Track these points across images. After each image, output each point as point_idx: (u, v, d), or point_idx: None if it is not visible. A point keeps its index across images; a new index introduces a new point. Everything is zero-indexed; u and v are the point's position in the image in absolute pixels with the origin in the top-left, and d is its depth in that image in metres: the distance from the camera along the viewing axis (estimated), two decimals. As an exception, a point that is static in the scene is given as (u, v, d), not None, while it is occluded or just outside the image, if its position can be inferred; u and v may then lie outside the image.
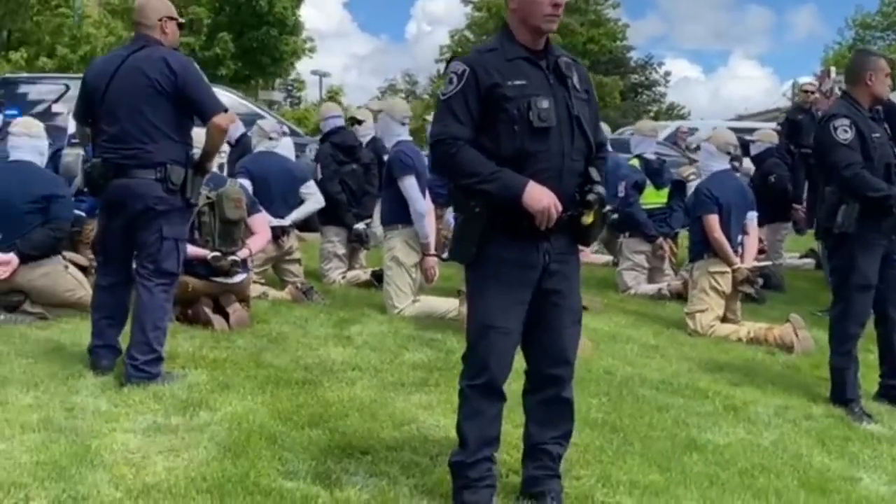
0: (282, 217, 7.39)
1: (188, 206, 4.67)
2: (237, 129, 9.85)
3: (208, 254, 5.94)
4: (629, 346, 6.24)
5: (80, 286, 6.10)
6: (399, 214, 6.80)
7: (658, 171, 8.73)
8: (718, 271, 7.01)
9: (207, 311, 6.00)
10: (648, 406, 4.79)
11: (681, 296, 8.01)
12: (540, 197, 3.14)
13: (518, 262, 3.27)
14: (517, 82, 3.21)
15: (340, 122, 8.48)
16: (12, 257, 5.81)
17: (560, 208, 3.17)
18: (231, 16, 24.18)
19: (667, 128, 19.05)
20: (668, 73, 48.00)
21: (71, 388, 4.55)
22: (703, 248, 7.09)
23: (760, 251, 8.03)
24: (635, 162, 8.85)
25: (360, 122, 9.34)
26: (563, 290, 3.36)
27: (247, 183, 7.26)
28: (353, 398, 4.57)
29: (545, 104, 3.20)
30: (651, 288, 8.52)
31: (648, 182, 8.70)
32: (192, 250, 5.91)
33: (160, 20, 4.70)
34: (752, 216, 7.26)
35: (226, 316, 6.03)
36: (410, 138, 7.14)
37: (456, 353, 5.37)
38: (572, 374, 3.46)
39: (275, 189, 7.40)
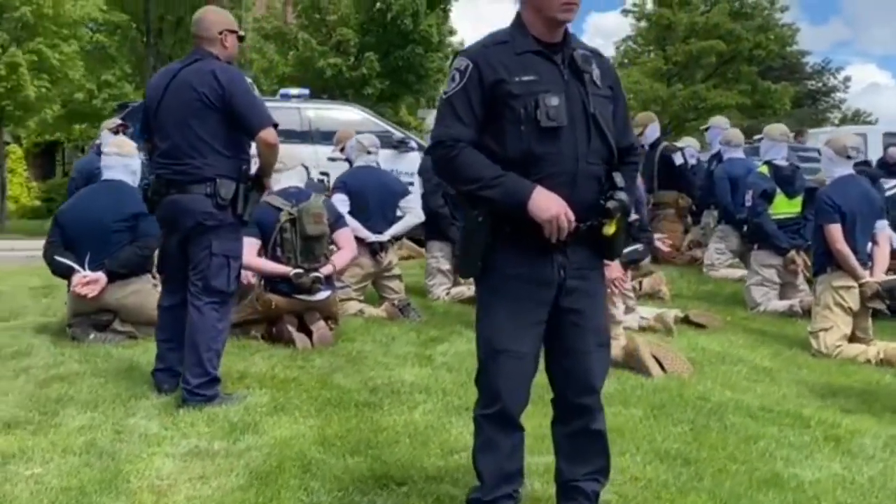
0: (380, 232, 7.22)
1: (241, 222, 4.53)
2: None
3: (290, 270, 5.81)
4: (737, 369, 5.73)
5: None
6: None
7: (789, 178, 8.09)
8: (843, 286, 6.39)
9: (291, 329, 5.87)
10: (735, 436, 4.31)
11: (814, 312, 7.38)
12: (547, 205, 2.81)
13: (529, 278, 2.94)
14: (525, 78, 2.89)
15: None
16: (101, 276, 5.84)
17: (571, 217, 2.82)
18: (378, 36, 24.43)
19: (824, 133, 17.95)
20: (847, 79, 45.49)
21: (129, 410, 4.48)
22: (826, 260, 6.49)
23: (896, 263, 7.30)
24: (764, 169, 8.25)
25: None
26: (585, 309, 3.00)
27: (343, 198, 7.15)
28: (409, 423, 4.31)
29: (555, 101, 2.86)
30: (782, 304, 7.90)
31: (779, 190, 8.08)
32: (274, 267, 5.83)
33: (220, 33, 4.59)
34: (882, 225, 6.60)
35: (310, 334, 5.89)
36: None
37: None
38: (601, 404, 3.09)
39: (372, 204, 7.24)
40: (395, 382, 5.01)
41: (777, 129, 8.54)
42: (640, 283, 8.46)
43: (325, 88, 24.05)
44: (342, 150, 9.81)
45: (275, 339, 5.90)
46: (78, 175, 8.63)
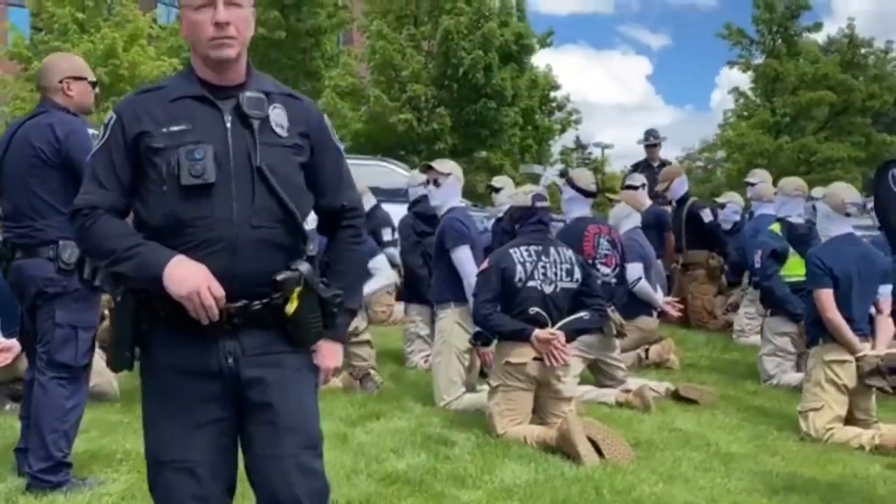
0: (346, 296, 6.77)
1: (91, 288, 4.14)
2: (368, 202, 9.46)
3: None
4: (694, 455, 5.06)
5: (94, 374, 5.73)
6: (451, 290, 6.04)
7: (804, 237, 7.35)
8: (837, 360, 5.65)
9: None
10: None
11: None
12: (183, 278, 2.34)
13: (186, 369, 2.47)
14: (174, 128, 2.43)
15: (423, 191, 7.81)
16: (14, 343, 5.56)
17: (219, 293, 2.35)
18: (450, 91, 24.26)
19: None
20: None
21: (-19, 493, 4.12)
22: (818, 331, 5.75)
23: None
24: (777, 227, 7.53)
25: (497, 190, 8.73)
26: (278, 404, 2.50)
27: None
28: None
29: (200, 154, 2.39)
30: (796, 377, 7.10)
31: (792, 250, 7.35)
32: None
33: (61, 81, 4.24)
34: (885, 290, 5.84)
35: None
36: (464, 204, 6.39)
37: (455, 461, 4.55)
38: None
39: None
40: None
41: (792, 182, 7.83)
42: (647, 350, 7.82)
43: (398, 144, 23.97)
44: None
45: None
46: None
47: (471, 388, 6.13)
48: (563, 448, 4.88)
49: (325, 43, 29.52)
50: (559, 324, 5.23)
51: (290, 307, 2.49)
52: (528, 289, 5.21)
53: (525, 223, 5.44)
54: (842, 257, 5.68)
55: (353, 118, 23.77)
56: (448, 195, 6.29)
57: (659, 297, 7.93)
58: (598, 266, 6.59)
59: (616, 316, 6.52)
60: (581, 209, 6.78)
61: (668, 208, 10.33)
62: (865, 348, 5.64)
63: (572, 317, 5.29)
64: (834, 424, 5.59)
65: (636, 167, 12.56)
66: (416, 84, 23.50)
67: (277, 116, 2.56)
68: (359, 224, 2.75)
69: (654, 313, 7.88)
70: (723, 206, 10.37)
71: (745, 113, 32.53)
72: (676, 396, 6.54)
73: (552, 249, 5.33)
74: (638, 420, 5.82)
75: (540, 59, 32.02)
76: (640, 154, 12.74)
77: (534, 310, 5.17)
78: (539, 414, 5.35)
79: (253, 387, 2.50)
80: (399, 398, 6.14)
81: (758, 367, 7.44)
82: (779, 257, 7.29)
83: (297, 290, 2.48)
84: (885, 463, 5.14)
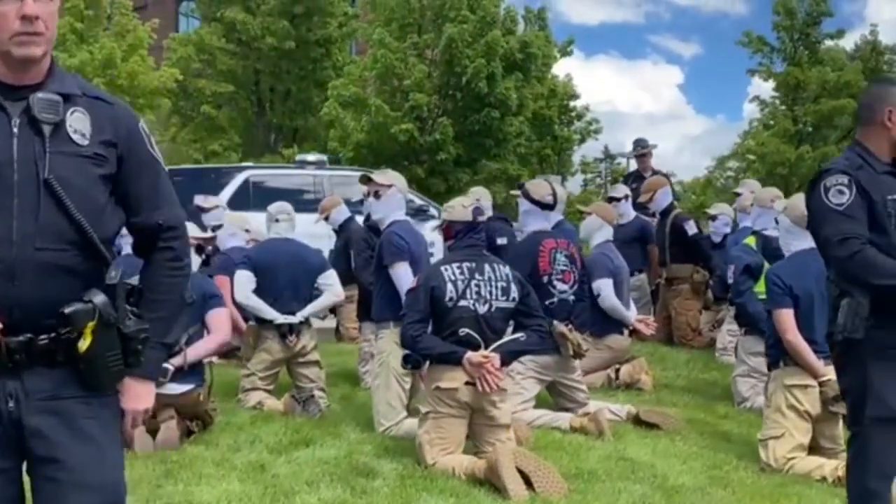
0: (291, 313, 6.46)
1: None
2: (340, 214, 9.18)
3: (128, 362, 5.10)
4: (635, 488, 4.70)
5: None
6: (391, 308, 5.71)
7: (779, 250, 6.95)
8: (799, 384, 5.27)
9: (136, 430, 5.14)
10: None
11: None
12: None
13: None
14: None
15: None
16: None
17: None
18: (454, 100, 23.90)
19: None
20: None
21: None
22: (778, 353, 5.38)
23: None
24: (751, 240, 7.16)
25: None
26: (63, 457, 2.19)
27: (247, 274, 6.46)
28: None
29: None
30: (770, 399, 6.74)
31: (767, 265, 6.96)
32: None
33: None
34: (852, 311, 5.43)
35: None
36: (408, 219, 6.07)
37: (371, 495, 4.22)
38: None
39: (282, 280, 6.51)
40: (180, 503, 4.20)
41: (768, 192, 7.47)
42: (618, 370, 7.46)
43: (399, 154, 23.63)
44: (327, 219, 9.20)
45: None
46: None
47: (415, 412, 5.78)
48: (491, 480, 4.53)
49: (335, 53, 29.33)
50: (493, 346, 4.89)
51: (83, 344, 2.20)
52: (460, 308, 4.88)
53: (463, 237, 5.10)
54: (803, 275, 5.29)
55: (355, 128, 23.45)
56: (389, 208, 5.98)
57: (631, 314, 7.57)
58: (555, 282, 6.25)
59: (574, 335, 6.18)
60: (538, 222, 6.44)
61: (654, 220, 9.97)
62: (829, 372, 5.23)
63: (507, 338, 4.95)
64: (795, 454, 5.21)
65: (628, 178, 12.22)
66: (418, 93, 23.14)
67: (77, 122, 2.26)
68: (178, 246, 2.43)
69: (626, 331, 7.52)
70: (714, 217, 9.98)
71: (772, 122, 31.88)
72: (637, 421, 6.18)
73: (486, 266, 4.99)
74: (587, 448, 5.47)
75: (562, 69, 31.59)
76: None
77: (464, 331, 4.84)
78: (474, 442, 5.01)
79: (36, 437, 2.20)
80: (338, 423, 5.81)
81: (731, 388, 7.07)
82: (753, 272, 6.89)
83: (91, 324, 2.17)
84: (845, 497, 4.74)
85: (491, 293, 4.93)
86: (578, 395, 6.39)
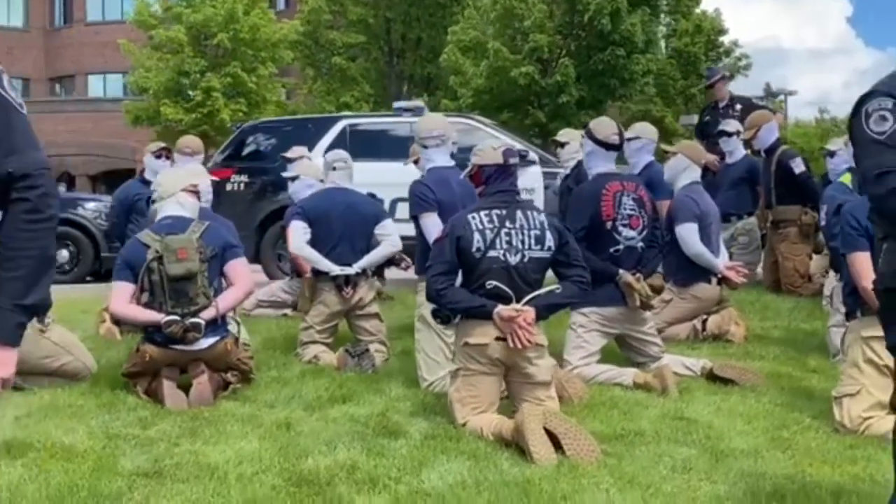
0: (348, 264, 6.27)
1: None
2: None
3: (162, 318, 5.03)
4: (684, 450, 4.31)
5: (62, 352, 5.49)
6: (425, 260, 5.41)
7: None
8: (877, 336, 4.69)
9: (168, 384, 5.10)
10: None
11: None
12: None
13: None
14: None
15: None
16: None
17: None
18: (577, 40, 23.18)
19: None
20: None
21: None
22: (855, 302, 4.85)
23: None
24: (847, 178, 6.53)
25: (562, 145, 8.07)
26: None
27: (302, 226, 6.30)
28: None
29: None
30: (869, 351, 6.15)
31: (864, 205, 6.34)
32: (146, 315, 5.12)
33: None
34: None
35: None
36: (450, 163, 5.75)
37: (388, 457, 4.02)
38: None
39: (338, 231, 6.31)
40: (188, 463, 4.07)
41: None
42: (705, 321, 6.98)
43: (520, 99, 23.15)
44: (416, 163, 8.97)
45: (152, 397, 5.14)
46: (118, 204, 8.30)
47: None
48: (518, 442, 4.23)
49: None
50: (526, 298, 4.55)
51: None
52: (489, 259, 4.55)
53: (493, 182, 4.76)
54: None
55: (474, 74, 23.07)
56: (430, 155, 5.69)
57: (722, 260, 7.06)
58: (621, 228, 5.83)
59: (642, 285, 5.78)
60: (603, 164, 6.01)
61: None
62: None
63: (541, 290, 4.60)
64: (873, 413, 4.69)
65: (703, 112, 11.43)
66: (538, 34, 22.53)
67: None
68: (34, 197, 2.21)
69: (714, 280, 7.01)
70: (832, 153, 9.23)
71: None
72: (711, 376, 5.74)
73: (519, 213, 4.64)
74: (644, 406, 5.10)
75: (709, 3, 30.47)
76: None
77: (491, 283, 4.51)
78: (512, 401, 4.71)
79: None
80: (386, 378, 5.60)
81: (826, 340, 6.51)
82: (848, 213, 6.27)
83: None
84: None
85: (523, 242, 4.59)
86: (651, 349, 5.99)
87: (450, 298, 4.54)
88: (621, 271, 5.77)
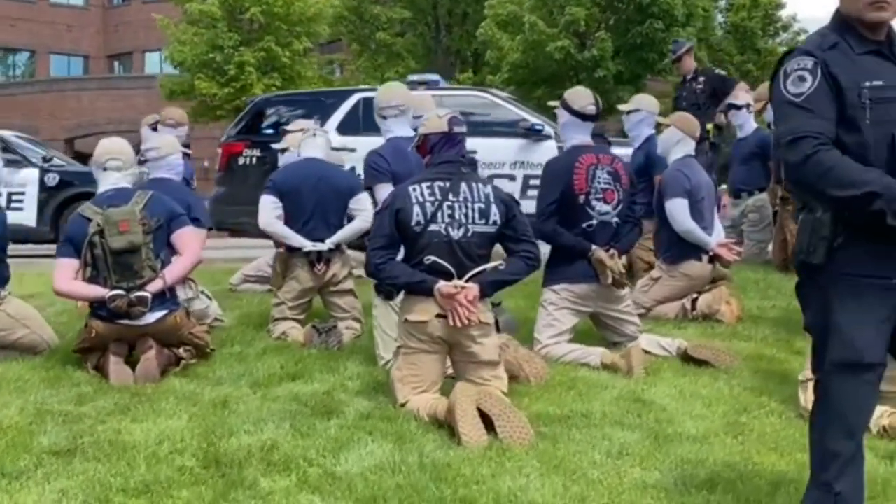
0: (320, 239, 6.13)
1: None
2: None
3: (106, 293, 4.94)
4: (627, 434, 4.12)
5: (17, 326, 5.45)
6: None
7: None
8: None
9: (115, 359, 5.01)
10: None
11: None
12: None
13: None
14: None
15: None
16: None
17: None
18: (615, 12, 22.73)
19: None
20: None
21: None
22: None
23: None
24: None
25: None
26: None
27: (272, 200, 6.16)
28: None
29: None
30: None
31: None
32: (89, 290, 5.04)
33: None
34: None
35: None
36: (409, 134, 5.57)
37: (313, 437, 3.90)
38: None
39: (310, 205, 6.15)
40: (105, 442, 3.97)
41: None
42: (695, 300, 6.73)
43: (557, 73, 22.79)
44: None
45: (101, 372, 5.06)
46: None
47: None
48: (450, 423, 4.07)
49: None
50: (468, 274, 4.37)
51: None
52: (430, 233, 4.37)
53: (439, 151, 4.57)
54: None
55: (510, 48, 22.73)
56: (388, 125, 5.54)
57: (714, 237, 6.80)
58: (594, 202, 5.60)
59: (615, 262, 5.57)
60: (579, 135, 5.78)
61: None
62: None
63: (484, 266, 4.42)
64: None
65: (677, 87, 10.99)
66: (575, 7, 22.11)
67: None
68: None
69: (705, 257, 6.75)
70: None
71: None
72: (686, 357, 5.51)
73: (463, 186, 4.44)
74: (604, 387, 4.90)
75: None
76: None
77: (430, 258, 4.33)
78: (458, 381, 4.54)
79: None
80: (348, 356, 5.46)
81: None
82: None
83: None
84: (881, 451, 4.00)
85: (467, 216, 4.40)
86: (627, 329, 5.77)
87: (388, 273, 4.37)
88: (594, 247, 5.56)
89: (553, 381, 4.99)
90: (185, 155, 7.52)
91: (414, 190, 4.40)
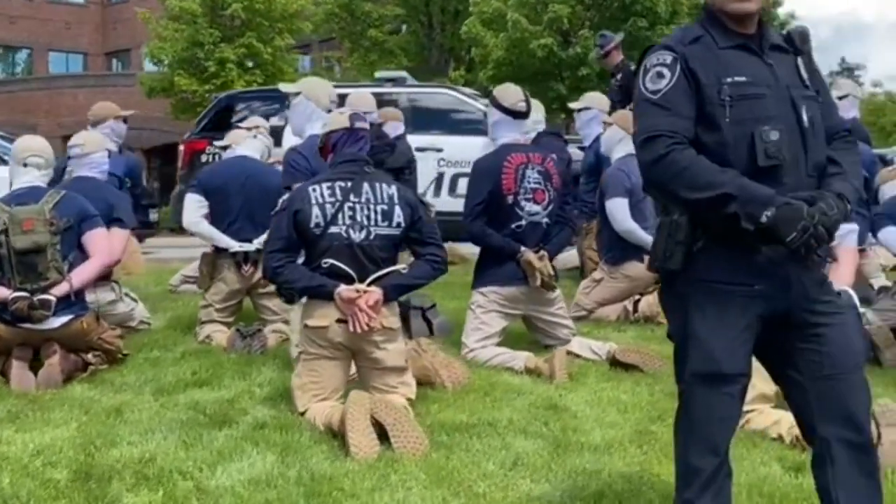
0: (247, 240, 5.98)
1: None
2: (392, 129, 8.63)
3: (9, 294, 4.79)
4: (525, 443, 3.97)
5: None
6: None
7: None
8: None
9: (17, 364, 4.86)
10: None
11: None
12: None
13: None
14: None
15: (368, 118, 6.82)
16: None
17: None
18: (598, 10, 22.52)
19: None
20: None
21: None
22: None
23: None
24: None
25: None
26: None
27: (198, 199, 6.02)
28: None
29: None
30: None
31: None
32: (-6, 292, 4.86)
33: None
34: (843, 231, 4.43)
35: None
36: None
37: (199, 448, 3.74)
38: None
39: (236, 204, 6.01)
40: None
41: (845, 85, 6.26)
42: (637, 302, 6.59)
43: (539, 71, 22.59)
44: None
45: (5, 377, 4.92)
46: None
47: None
48: (342, 434, 3.91)
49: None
50: (370, 278, 4.22)
51: None
52: (331, 236, 4.21)
53: (341, 149, 4.42)
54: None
55: (494, 45, 22.51)
56: (297, 120, 5.38)
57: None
58: (523, 203, 5.45)
59: (544, 264, 5.42)
60: (510, 134, 5.63)
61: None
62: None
63: (387, 269, 4.26)
64: (754, 406, 4.29)
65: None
66: (558, 4, 21.88)
67: None
68: None
69: (647, 258, 6.57)
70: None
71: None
72: (615, 361, 5.36)
73: (365, 186, 4.28)
74: (520, 393, 4.76)
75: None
76: None
77: (327, 262, 4.18)
78: (363, 388, 4.39)
79: None
80: (267, 360, 5.32)
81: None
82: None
83: None
84: (790, 462, 3.84)
85: (369, 218, 4.24)
86: (559, 332, 5.63)
87: (286, 277, 4.22)
88: (523, 248, 5.42)
89: (472, 386, 4.85)
90: (124, 150, 7.40)
91: (314, 191, 4.24)
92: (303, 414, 4.22)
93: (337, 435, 3.96)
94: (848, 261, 4.49)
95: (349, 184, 4.26)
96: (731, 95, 2.62)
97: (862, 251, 6.21)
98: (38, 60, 42.83)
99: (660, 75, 2.66)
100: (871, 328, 5.49)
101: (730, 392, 2.69)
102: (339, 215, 4.20)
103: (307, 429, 4.08)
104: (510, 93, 5.66)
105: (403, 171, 6.69)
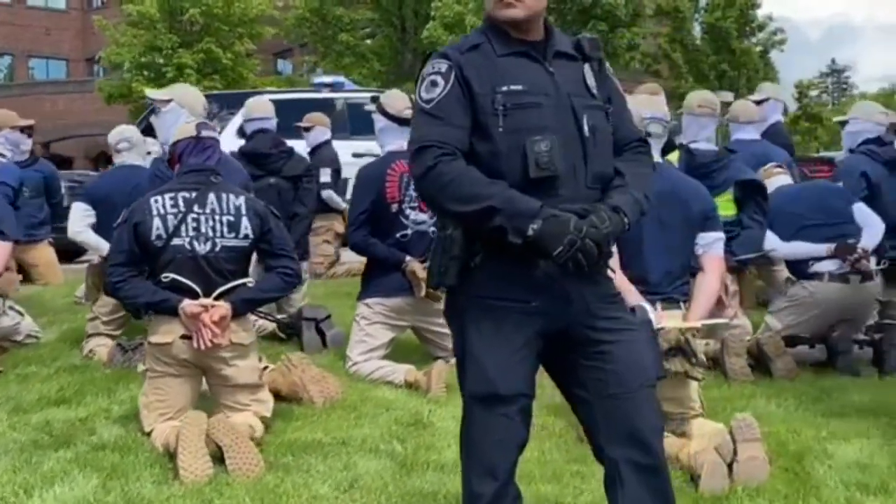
0: (133, 252, 5.81)
1: None
2: (317, 135, 8.56)
3: None
4: (370, 464, 3.82)
5: None
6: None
7: (705, 166, 5.74)
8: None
9: None
10: None
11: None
12: None
13: None
14: None
15: (265, 125, 6.70)
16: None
17: None
18: (558, 14, 22.43)
19: None
20: None
21: None
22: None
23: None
24: (673, 157, 5.91)
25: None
26: None
27: (84, 208, 5.87)
28: None
29: None
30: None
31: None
32: None
33: None
34: (708, 239, 4.33)
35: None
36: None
37: (32, 471, 3.58)
38: None
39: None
40: None
41: (697, 97, 6.13)
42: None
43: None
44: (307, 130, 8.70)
45: None
46: None
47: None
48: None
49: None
50: (216, 292, 4.07)
51: None
52: (174, 248, 4.06)
53: (187, 159, 4.27)
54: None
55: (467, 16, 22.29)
56: (165, 128, 5.22)
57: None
58: (408, 211, 5.32)
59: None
60: (397, 140, 5.49)
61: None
62: (666, 318, 4.14)
63: (233, 283, 4.12)
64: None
65: None
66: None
67: None
68: None
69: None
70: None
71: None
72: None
73: (211, 197, 4.14)
74: (392, 408, 4.63)
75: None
76: None
77: (168, 276, 4.03)
78: (217, 406, 4.24)
79: None
80: (134, 376, 5.11)
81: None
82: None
83: None
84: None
85: (214, 229, 4.09)
86: (448, 342, 5.46)
87: (127, 292, 4.07)
88: (408, 258, 5.28)
89: (342, 402, 4.70)
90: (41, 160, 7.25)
91: (155, 202, 4.09)
92: (149, 434, 4.07)
93: (174, 456, 3.80)
94: (713, 269, 4.35)
95: (194, 194, 4.11)
96: (506, 104, 2.50)
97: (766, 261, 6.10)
98: (20, 67, 42.63)
99: (434, 84, 2.54)
100: (762, 338, 5.39)
101: (506, 413, 2.55)
102: (182, 227, 4.06)
103: (147, 450, 3.92)
104: (396, 99, 5.53)
105: (301, 179, 6.56)
